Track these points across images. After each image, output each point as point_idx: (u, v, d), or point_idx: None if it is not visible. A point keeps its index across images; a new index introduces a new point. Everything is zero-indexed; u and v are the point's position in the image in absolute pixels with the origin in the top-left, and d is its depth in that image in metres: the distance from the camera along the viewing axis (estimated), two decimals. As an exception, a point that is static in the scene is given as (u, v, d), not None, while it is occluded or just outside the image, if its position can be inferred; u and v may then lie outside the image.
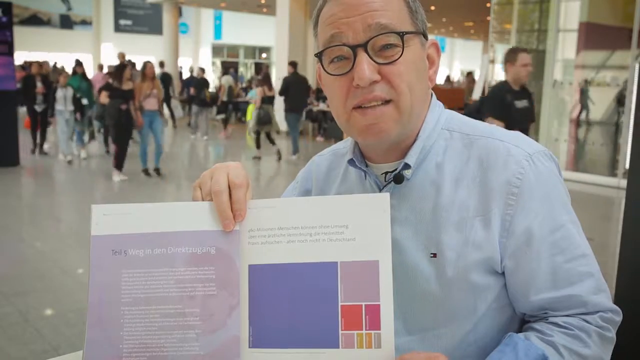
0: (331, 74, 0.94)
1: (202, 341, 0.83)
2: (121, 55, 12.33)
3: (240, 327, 0.84)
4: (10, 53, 8.98)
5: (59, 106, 9.60)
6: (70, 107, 9.65)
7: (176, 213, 0.87)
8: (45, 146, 10.67)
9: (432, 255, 0.93)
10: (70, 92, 9.64)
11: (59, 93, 9.60)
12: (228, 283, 0.84)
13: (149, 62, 8.98)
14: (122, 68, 8.35)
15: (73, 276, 4.58)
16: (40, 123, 10.30)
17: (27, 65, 17.68)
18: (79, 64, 11.15)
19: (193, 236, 0.85)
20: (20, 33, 17.77)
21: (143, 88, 8.45)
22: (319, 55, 0.96)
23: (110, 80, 8.29)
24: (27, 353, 3.27)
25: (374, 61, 0.90)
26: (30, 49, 23.83)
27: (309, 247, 0.84)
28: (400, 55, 0.91)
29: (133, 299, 0.84)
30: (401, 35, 0.91)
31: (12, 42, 8.99)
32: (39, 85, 10.22)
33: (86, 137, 10.83)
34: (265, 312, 0.84)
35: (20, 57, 20.01)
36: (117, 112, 7.99)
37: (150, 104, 8.52)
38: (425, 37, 0.98)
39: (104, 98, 8.14)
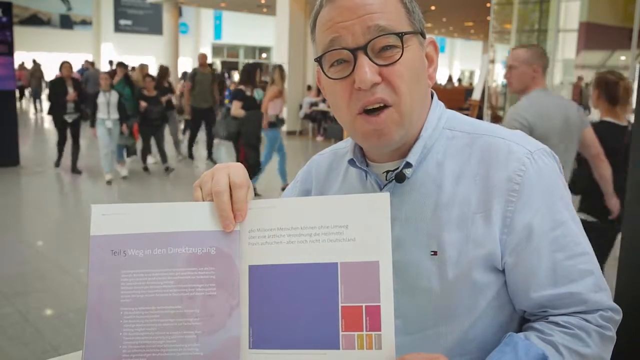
0: (332, 78, 0.94)
1: (201, 342, 0.83)
2: (203, 57, 10.07)
3: (241, 328, 0.83)
4: (10, 53, 8.98)
5: (100, 114, 7.99)
6: (115, 115, 8.04)
7: (176, 213, 0.87)
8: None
9: (432, 253, 0.93)
10: (115, 97, 8.04)
11: (101, 98, 7.96)
12: (228, 283, 0.84)
13: (280, 65, 7.46)
14: (254, 69, 6.79)
15: (73, 276, 4.58)
16: (72, 136, 8.56)
17: (21, 68, 17.51)
18: (121, 65, 9.42)
19: (193, 236, 0.85)
20: (20, 33, 17.80)
21: (273, 94, 7.07)
22: (318, 60, 0.96)
23: (242, 87, 6.64)
24: (27, 353, 3.28)
25: (374, 63, 0.90)
26: (30, 49, 23.86)
27: (309, 248, 0.84)
28: (400, 56, 0.91)
29: (132, 299, 0.84)
30: (400, 36, 0.91)
31: (12, 42, 8.99)
32: (71, 91, 8.41)
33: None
34: (265, 312, 0.84)
35: (19, 57, 20.12)
36: (259, 127, 6.51)
37: (276, 112, 7.27)
38: (423, 36, 0.98)
39: (237, 110, 6.50)
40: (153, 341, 0.83)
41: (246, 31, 27.73)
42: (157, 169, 9.13)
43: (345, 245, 0.83)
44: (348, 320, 0.81)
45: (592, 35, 9.44)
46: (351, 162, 1.03)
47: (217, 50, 29.36)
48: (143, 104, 8.75)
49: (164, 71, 10.09)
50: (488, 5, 11.58)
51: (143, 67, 10.41)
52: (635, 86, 7.85)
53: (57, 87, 8.49)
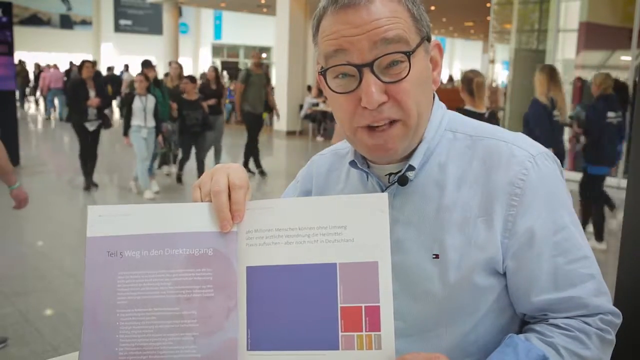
0: (336, 92, 0.92)
1: (199, 344, 0.82)
2: (257, 55, 8.79)
3: (238, 330, 0.83)
4: (10, 53, 8.98)
5: (136, 121, 7.02)
6: (151, 123, 7.11)
7: (174, 214, 0.86)
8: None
9: (434, 256, 0.93)
10: (152, 102, 7.09)
11: (137, 103, 7.00)
12: (226, 285, 0.84)
13: None
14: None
15: (73, 276, 4.57)
16: (90, 147, 7.48)
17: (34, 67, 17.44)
18: (147, 65, 8.16)
19: (190, 237, 0.85)
20: (20, 33, 17.84)
21: None
22: (322, 73, 0.94)
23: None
24: (27, 353, 3.27)
25: (381, 80, 0.89)
26: (30, 49, 23.87)
27: (308, 248, 0.84)
28: (408, 73, 0.89)
29: (129, 301, 0.83)
30: (408, 54, 0.89)
31: (12, 42, 8.99)
32: (92, 95, 7.25)
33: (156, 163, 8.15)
34: (263, 314, 0.83)
35: (19, 57, 20.30)
36: None
37: None
38: (429, 40, 0.96)
39: None
40: (150, 343, 0.82)
41: (246, 31, 27.71)
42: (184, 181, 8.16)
43: (344, 245, 0.83)
44: (347, 320, 0.81)
45: (592, 35, 9.44)
46: (352, 163, 1.03)
47: (217, 50, 29.36)
48: (174, 106, 7.74)
49: (216, 72, 9.14)
50: (488, 5, 11.58)
51: (176, 67, 9.13)
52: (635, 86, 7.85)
53: (77, 90, 7.22)
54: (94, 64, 8.04)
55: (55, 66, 18.36)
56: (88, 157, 7.52)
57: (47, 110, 17.17)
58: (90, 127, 7.31)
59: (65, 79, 16.16)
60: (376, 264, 0.82)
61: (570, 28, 9.67)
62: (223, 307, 0.83)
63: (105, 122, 7.60)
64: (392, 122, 0.91)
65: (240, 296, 0.84)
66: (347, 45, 0.88)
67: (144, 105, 7.06)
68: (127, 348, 0.82)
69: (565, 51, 9.84)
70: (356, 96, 0.90)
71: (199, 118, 7.68)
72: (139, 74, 7.45)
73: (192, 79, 8.07)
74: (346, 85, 0.91)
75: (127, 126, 7.09)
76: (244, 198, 0.86)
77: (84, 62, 7.53)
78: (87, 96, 7.23)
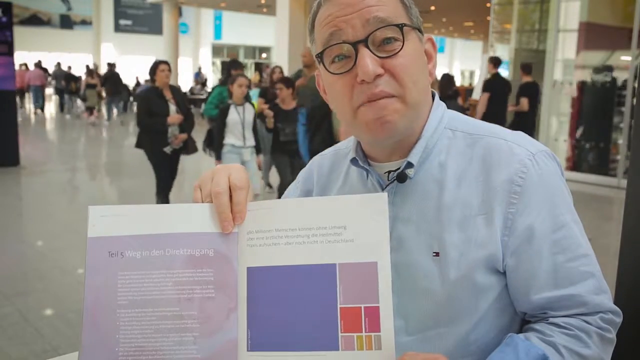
0: (334, 73, 0.94)
1: (199, 344, 0.82)
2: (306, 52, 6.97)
3: (239, 330, 0.83)
4: (10, 53, 8.97)
5: (230, 139, 5.40)
6: (251, 142, 5.51)
7: (175, 215, 0.86)
8: None
9: (434, 254, 0.93)
10: (250, 114, 5.45)
11: (233, 114, 5.34)
12: (226, 285, 0.84)
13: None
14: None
15: (73, 276, 4.57)
16: (171, 171, 5.55)
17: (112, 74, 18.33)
18: (236, 65, 6.60)
19: (191, 238, 0.85)
20: (20, 33, 17.91)
21: None
22: (319, 56, 0.95)
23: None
24: (27, 353, 3.27)
25: (376, 55, 0.90)
26: (30, 49, 23.89)
27: (307, 249, 0.84)
28: (401, 48, 0.91)
29: (129, 301, 0.83)
30: (400, 27, 0.91)
31: (12, 42, 8.98)
32: (173, 109, 5.28)
33: None
34: (263, 314, 0.83)
35: (20, 57, 20.68)
36: None
37: None
38: (421, 32, 0.99)
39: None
40: (150, 343, 0.82)
41: (246, 31, 27.74)
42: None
43: (343, 246, 0.83)
44: (347, 321, 0.81)
45: (592, 35, 9.44)
46: (353, 160, 1.03)
47: (217, 50, 29.39)
48: (269, 116, 5.91)
49: (282, 73, 7.61)
50: (488, 5, 11.58)
51: (275, 70, 7.39)
52: (635, 86, 7.85)
53: (153, 104, 5.21)
54: (230, 61, 5.89)
55: (39, 64, 19.76)
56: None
57: (34, 103, 19.29)
58: (169, 150, 5.37)
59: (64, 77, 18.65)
60: (375, 264, 0.82)
61: (570, 28, 9.67)
62: (223, 307, 0.83)
63: (189, 145, 5.55)
64: (389, 97, 0.91)
65: (240, 297, 0.84)
66: (341, 24, 0.91)
67: (241, 119, 5.34)
68: (127, 348, 0.82)
69: (565, 51, 9.84)
70: (353, 75, 0.91)
71: (293, 132, 5.69)
72: (243, 77, 5.63)
73: (287, 82, 6.01)
74: (343, 66, 0.93)
75: (219, 146, 5.42)
76: (245, 199, 0.86)
77: (158, 63, 5.30)
78: (166, 111, 5.24)
